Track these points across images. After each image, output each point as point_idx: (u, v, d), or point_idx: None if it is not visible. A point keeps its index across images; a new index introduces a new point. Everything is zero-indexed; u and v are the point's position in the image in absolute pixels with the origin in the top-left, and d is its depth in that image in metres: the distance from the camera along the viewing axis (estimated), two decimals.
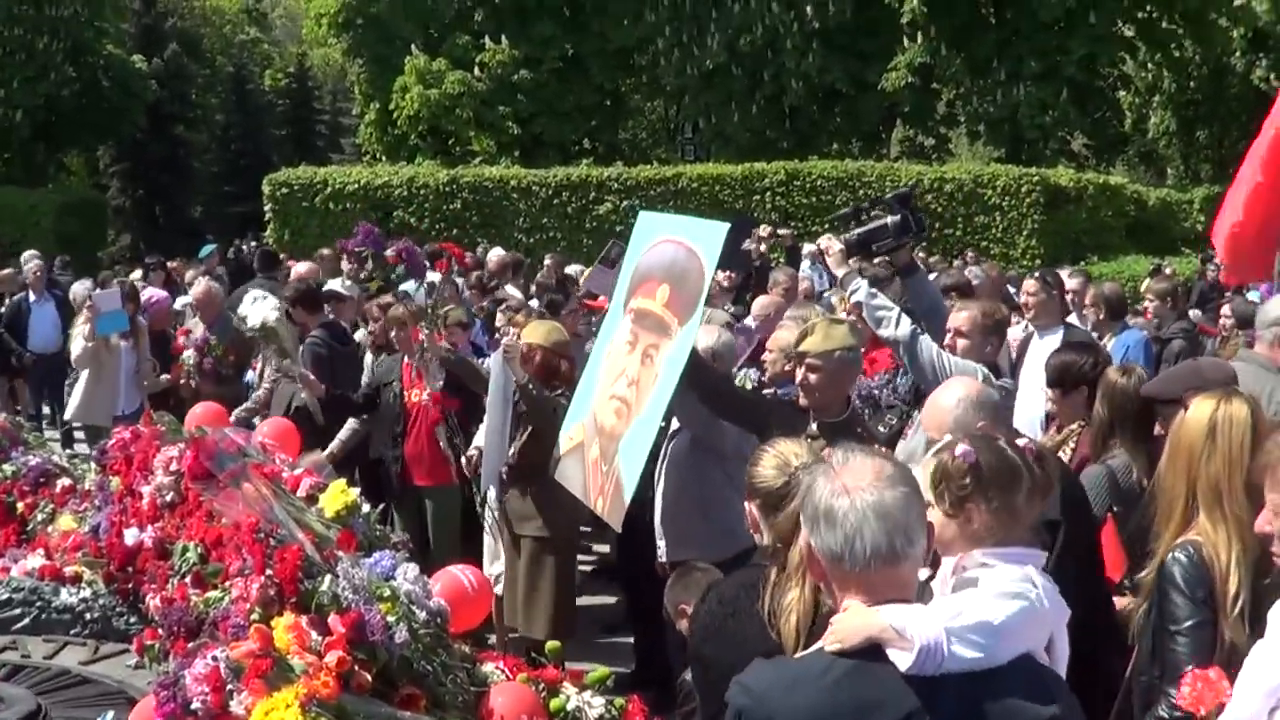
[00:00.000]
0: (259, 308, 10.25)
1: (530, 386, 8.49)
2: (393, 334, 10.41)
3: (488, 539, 9.64)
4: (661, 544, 8.03)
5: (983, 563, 3.77)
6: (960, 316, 8.02)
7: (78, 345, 13.16)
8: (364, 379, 10.96)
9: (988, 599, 3.47)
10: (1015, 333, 11.03)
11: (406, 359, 10.10)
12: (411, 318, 10.02)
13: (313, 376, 10.25)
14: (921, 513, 3.36)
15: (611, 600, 11.11)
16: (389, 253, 10.94)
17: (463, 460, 9.89)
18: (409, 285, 12.42)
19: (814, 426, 6.81)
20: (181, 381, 12.11)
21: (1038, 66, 39.40)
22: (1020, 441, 4.17)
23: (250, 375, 11.64)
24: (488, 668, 5.83)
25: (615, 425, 7.10)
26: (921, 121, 45.09)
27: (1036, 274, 11.48)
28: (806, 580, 3.94)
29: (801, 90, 41.94)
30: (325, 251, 16.90)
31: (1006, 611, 3.42)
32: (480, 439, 9.65)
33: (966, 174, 35.68)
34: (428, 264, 13.90)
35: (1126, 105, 48.42)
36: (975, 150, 49.21)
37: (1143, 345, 11.06)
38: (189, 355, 11.90)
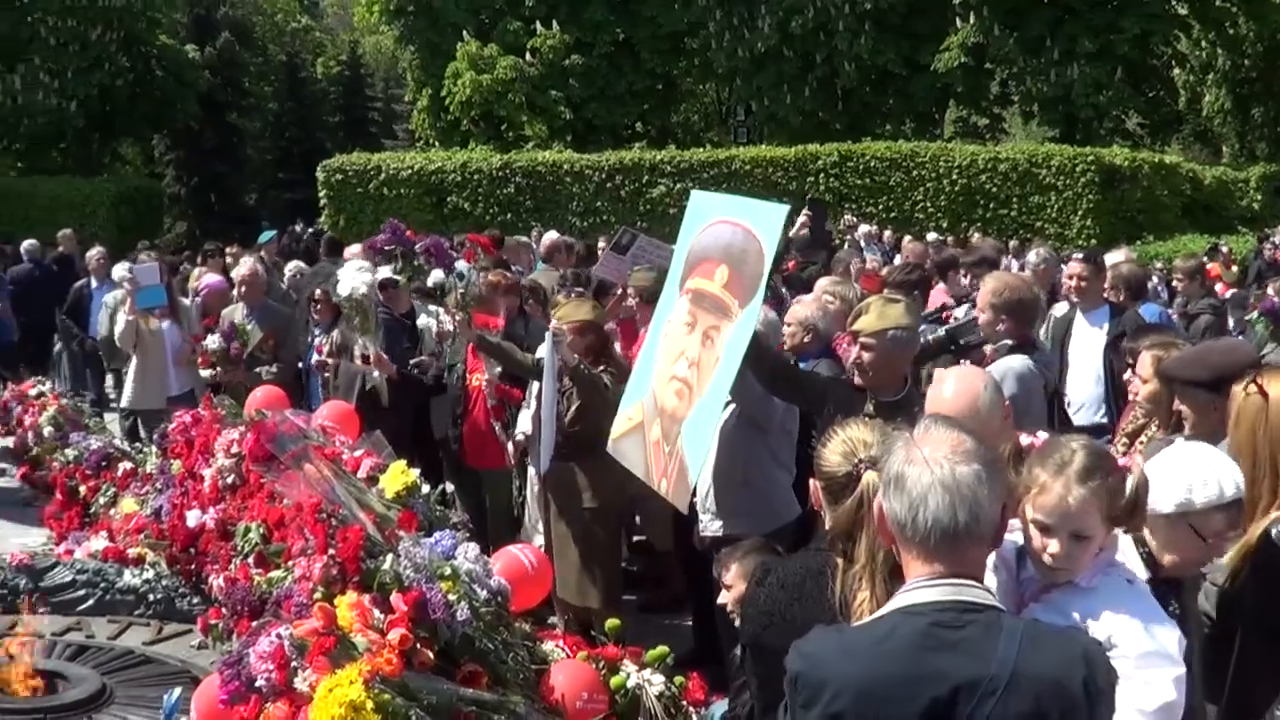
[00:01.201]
0: (355, 278, 10.23)
1: (582, 368, 8.53)
2: (454, 317, 10.38)
3: (528, 516, 9.67)
4: (704, 518, 8.02)
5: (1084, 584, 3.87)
6: (978, 295, 8.13)
7: (120, 322, 13.28)
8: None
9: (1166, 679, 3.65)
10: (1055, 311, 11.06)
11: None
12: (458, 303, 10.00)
13: (386, 356, 10.31)
14: (996, 492, 3.34)
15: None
16: (417, 248, 10.97)
17: (509, 445, 9.94)
18: (438, 275, 12.49)
19: (871, 406, 6.80)
20: (209, 367, 12.00)
21: (1091, 45, 39.01)
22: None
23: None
24: (548, 646, 5.87)
25: (677, 407, 7.10)
26: (975, 102, 44.72)
27: (1081, 255, 11.41)
28: (877, 580, 3.92)
29: (854, 72, 41.76)
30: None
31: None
32: (524, 423, 9.69)
33: (1021, 154, 35.53)
34: (455, 254, 14.03)
35: (1181, 84, 47.97)
36: (1029, 130, 48.92)
37: (1160, 319, 10.94)
38: (213, 341, 11.81)
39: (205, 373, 11.92)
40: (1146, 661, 3.60)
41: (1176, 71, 46.49)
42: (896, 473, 3.34)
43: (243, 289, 12.11)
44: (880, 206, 34.39)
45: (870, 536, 3.96)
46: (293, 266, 16.46)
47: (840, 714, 3.20)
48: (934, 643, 3.20)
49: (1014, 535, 4.02)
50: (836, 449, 4.26)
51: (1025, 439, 4.55)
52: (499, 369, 9.78)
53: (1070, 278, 10.81)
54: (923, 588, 3.30)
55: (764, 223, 6.88)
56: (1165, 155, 39.59)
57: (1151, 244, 30.84)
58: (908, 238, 24.93)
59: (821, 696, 3.23)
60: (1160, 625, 3.71)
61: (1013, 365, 7.87)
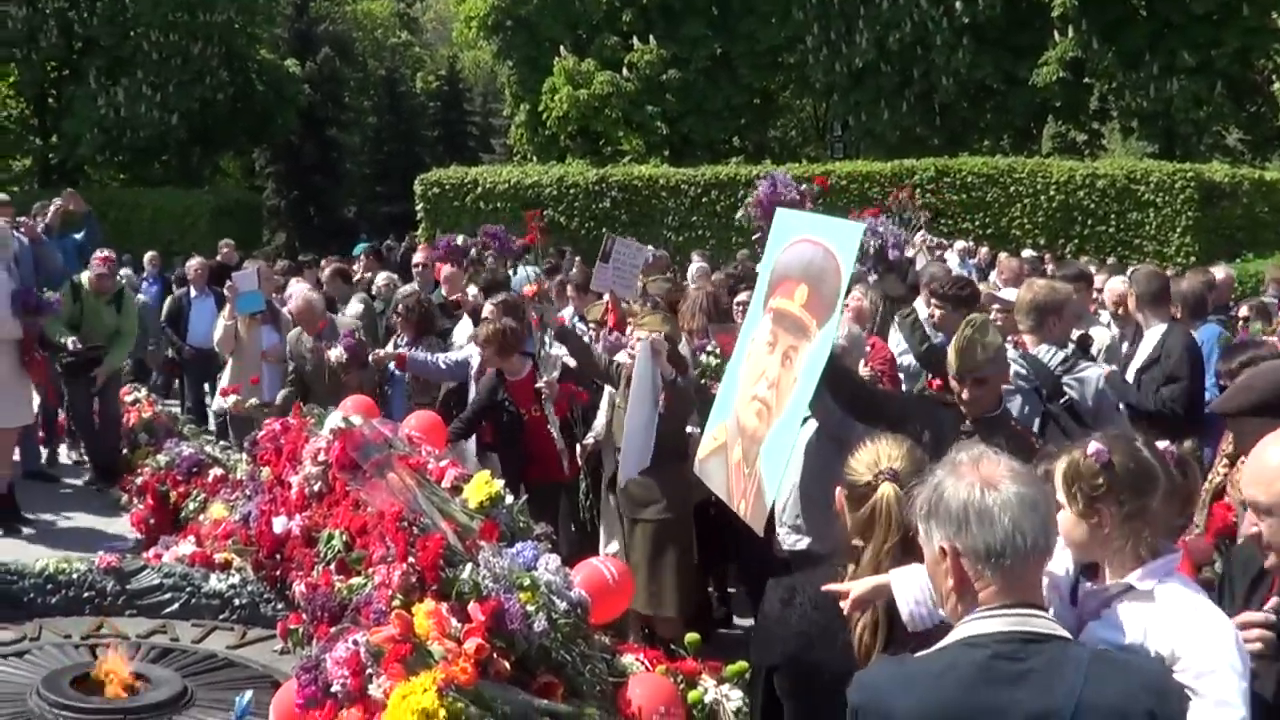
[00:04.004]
0: None
1: (678, 381, 8.58)
2: (483, 353, 10.24)
3: (604, 526, 9.66)
4: (781, 531, 7.94)
5: (1134, 586, 3.77)
6: None
7: (219, 328, 13.47)
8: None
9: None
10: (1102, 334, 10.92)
11: (509, 377, 10.03)
12: (520, 303, 10.02)
13: None
14: (1051, 512, 3.37)
15: None
16: (480, 235, 11.06)
17: (578, 448, 9.95)
18: (530, 270, 12.50)
19: (968, 422, 6.76)
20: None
21: (1191, 59, 38.62)
22: (1160, 444, 4.08)
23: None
24: (627, 659, 5.85)
25: (757, 427, 7.05)
26: (1073, 117, 44.42)
27: (1125, 276, 11.30)
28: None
29: (951, 86, 41.59)
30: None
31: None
32: (598, 428, 9.80)
33: (1119, 170, 35.10)
34: (515, 238, 14.11)
35: None
36: (1128, 146, 48.36)
37: (1219, 339, 10.71)
38: (338, 352, 11.67)
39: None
40: (1213, 679, 3.49)
41: (1277, 86, 45.75)
42: (979, 507, 3.27)
43: (303, 324, 12.09)
44: (977, 222, 34.13)
45: (877, 546, 4.03)
46: (384, 277, 16.62)
47: None
48: (995, 675, 3.18)
49: (1065, 560, 4.01)
50: (863, 458, 4.33)
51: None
52: (556, 373, 9.77)
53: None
54: (984, 618, 3.27)
55: (842, 241, 6.83)
56: (1266, 171, 38.87)
57: (1251, 261, 30.39)
58: (1003, 254, 24.73)
59: None
60: (1225, 638, 3.61)
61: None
